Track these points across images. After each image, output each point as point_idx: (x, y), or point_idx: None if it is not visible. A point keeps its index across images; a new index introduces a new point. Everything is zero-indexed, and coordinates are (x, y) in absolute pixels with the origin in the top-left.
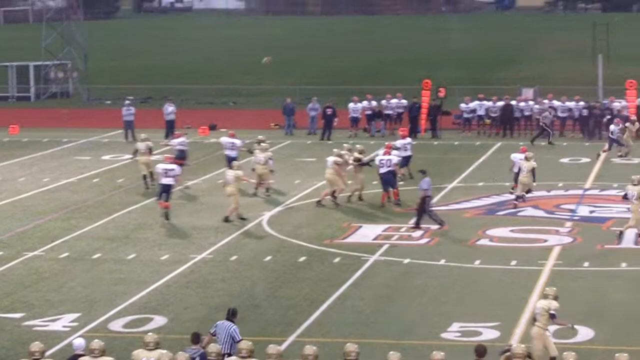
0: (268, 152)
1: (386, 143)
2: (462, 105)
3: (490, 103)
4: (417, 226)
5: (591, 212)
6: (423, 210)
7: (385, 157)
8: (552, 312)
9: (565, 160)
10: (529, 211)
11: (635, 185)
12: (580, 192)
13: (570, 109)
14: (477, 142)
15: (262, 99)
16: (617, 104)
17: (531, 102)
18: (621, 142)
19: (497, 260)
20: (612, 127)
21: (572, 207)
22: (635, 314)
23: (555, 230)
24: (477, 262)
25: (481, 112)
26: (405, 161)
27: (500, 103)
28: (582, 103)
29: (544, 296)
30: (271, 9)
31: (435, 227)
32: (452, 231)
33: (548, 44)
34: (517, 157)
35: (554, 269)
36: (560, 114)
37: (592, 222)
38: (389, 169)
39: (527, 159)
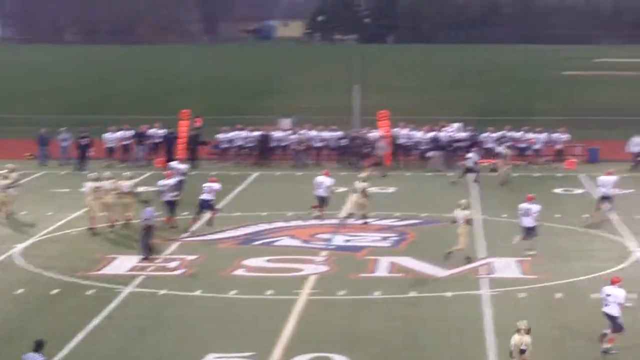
0: (9, 179)
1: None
2: (220, 135)
3: (247, 133)
4: (146, 258)
5: (346, 241)
6: (146, 240)
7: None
8: (522, 347)
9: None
10: (285, 241)
11: (462, 209)
12: (335, 221)
13: (327, 139)
14: (234, 172)
15: (16, 128)
16: (373, 134)
17: (289, 132)
18: (476, 170)
19: (253, 290)
20: (470, 155)
21: (328, 236)
22: (389, 342)
23: (310, 260)
24: (233, 292)
25: (239, 142)
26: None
27: (258, 133)
28: (339, 133)
29: (517, 330)
30: (27, 38)
31: (190, 257)
32: (208, 262)
33: (306, 74)
34: (319, 180)
35: (310, 298)
36: (316, 144)
37: (347, 251)
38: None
39: (361, 180)
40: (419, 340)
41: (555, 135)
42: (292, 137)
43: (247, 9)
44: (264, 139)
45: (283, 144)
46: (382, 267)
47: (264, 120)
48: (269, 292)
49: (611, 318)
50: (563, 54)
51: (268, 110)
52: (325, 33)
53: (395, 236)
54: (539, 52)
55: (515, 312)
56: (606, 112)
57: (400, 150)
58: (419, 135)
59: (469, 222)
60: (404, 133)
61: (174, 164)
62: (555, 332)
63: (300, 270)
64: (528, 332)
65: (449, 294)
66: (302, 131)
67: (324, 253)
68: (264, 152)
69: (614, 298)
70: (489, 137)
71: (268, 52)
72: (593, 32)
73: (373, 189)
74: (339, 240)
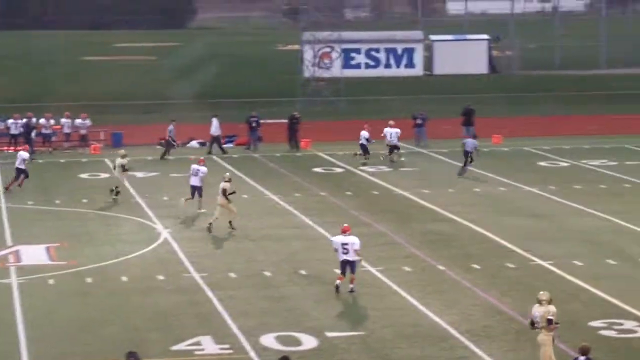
0: None
1: None
2: None
3: None
4: None
5: None
6: None
7: None
8: (550, 317)
9: None
10: None
11: (226, 182)
12: None
13: None
14: None
15: None
16: None
17: None
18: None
19: None
20: None
21: None
22: None
23: None
24: None
25: None
26: None
27: None
28: None
29: (538, 302)
30: None
31: None
32: None
33: None
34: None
35: None
36: None
37: None
38: None
39: (120, 156)
40: None
41: (79, 121)
42: None
43: None
44: None
45: None
46: None
47: None
48: None
49: (351, 263)
50: (84, 39)
51: None
52: None
53: None
54: (60, 38)
55: (45, 300)
56: (127, 96)
57: None
58: None
59: (224, 192)
60: None
61: None
62: (88, 315)
63: None
64: (550, 302)
65: None
66: None
67: None
68: None
69: (351, 245)
70: (14, 123)
71: None
72: (113, 18)
73: None
74: None
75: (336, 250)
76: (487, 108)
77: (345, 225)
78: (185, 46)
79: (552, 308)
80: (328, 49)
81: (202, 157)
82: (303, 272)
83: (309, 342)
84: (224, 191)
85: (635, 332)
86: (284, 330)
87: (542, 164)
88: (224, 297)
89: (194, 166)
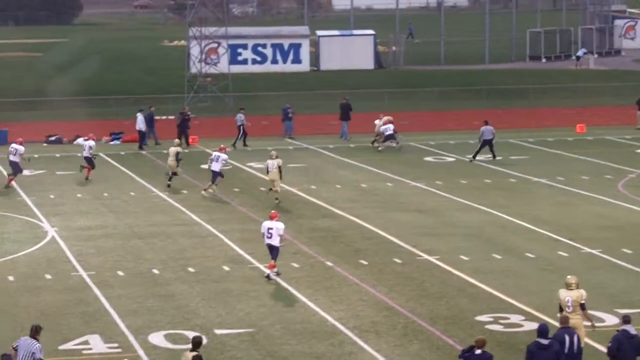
0: None
1: None
2: None
3: None
4: None
5: None
6: None
7: None
8: (582, 302)
9: None
10: None
11: (273, 159)
12: None
13: None
14: None
15: None
16: None
17: None
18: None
19: None
20: None
21: None
22: None
23: None
24: None
25: None
26: None
27: None
28: None
29: (567, 286)
30: None
31: None
32: None
33: None
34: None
35: None
36: None
37: None
38: None
39: (175, 144)
40: None
41: None
42: None
43: None
44: None
45: None
46: None
47: None
48: None
49: (273, 248)
50: None
51: None
52: None
53: None
54: None
55: None
56: (10, 93)
57: None
58: None
59: (280, 168)
60: None
61: None
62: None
63: None
64: (578, 285)
65: None
66: None
67: None
68: None
69: (276, 230)
70: None
71: None
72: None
73: None
74: None
75: (263, 234)
76: (373, 103)
77: (273, 212)
78: (70, 42)
79: (583, 292)
80: (215, 45)
81: (222, 145)
82: (191, 269)
83: None
84: (280, 167)
85: (521, 326)
86: (173, 329)
87: (428, 159)
88: (112, 296)
89: (215, 153)
